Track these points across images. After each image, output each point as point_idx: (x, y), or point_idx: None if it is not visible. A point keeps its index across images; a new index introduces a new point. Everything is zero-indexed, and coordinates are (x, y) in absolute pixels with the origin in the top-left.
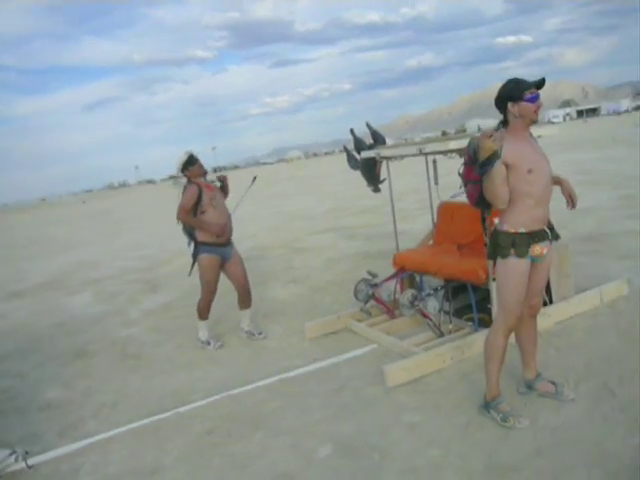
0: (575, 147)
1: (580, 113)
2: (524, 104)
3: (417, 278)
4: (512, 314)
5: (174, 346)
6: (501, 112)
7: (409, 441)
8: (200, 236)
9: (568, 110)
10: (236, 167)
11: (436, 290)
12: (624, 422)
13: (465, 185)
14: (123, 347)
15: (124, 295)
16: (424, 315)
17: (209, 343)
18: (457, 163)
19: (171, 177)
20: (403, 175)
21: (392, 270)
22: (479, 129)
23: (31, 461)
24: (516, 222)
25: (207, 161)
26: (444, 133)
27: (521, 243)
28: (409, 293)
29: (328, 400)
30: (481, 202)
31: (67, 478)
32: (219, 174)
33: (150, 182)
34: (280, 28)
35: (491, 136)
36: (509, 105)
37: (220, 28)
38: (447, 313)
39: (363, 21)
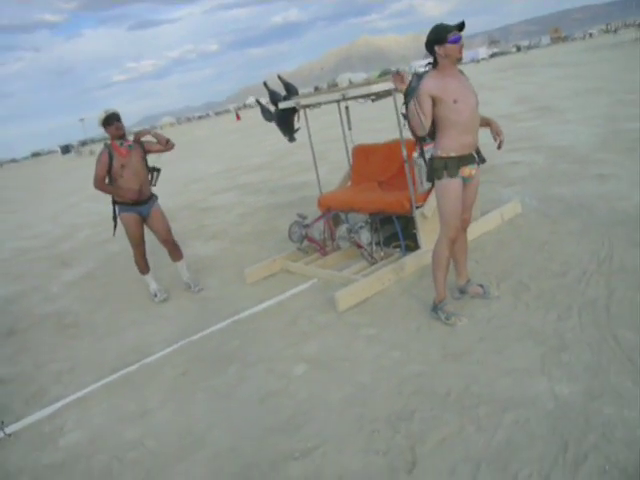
0: None
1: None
2: (448, 45)
3: (343, 216)
4: (451, 226)
5: (112, 310)
6: (431, 54)
7: (372, 349)
8: (116, 197)
9: (430, 60)
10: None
11: (366, 223)
12: (541, 306)
13: (408, 122)
14: (57, 319)
15: (32, 274)
16: (359, 245)
17: (155, 295)
18: (366, 109)
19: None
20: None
21: (309, 215)
22: (350, 82)
23: (9, 429)
24: (447, 148)
25: (76, 134)
26: (316, 88)
27: (452, 165)
28: (344, 227)
29: (287, 331)
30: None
31: (52, 437)
32: (136, 134)
33: (13, 161)
34: None
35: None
36: (436, 48)
37: None
38: (377, 243)
39: None
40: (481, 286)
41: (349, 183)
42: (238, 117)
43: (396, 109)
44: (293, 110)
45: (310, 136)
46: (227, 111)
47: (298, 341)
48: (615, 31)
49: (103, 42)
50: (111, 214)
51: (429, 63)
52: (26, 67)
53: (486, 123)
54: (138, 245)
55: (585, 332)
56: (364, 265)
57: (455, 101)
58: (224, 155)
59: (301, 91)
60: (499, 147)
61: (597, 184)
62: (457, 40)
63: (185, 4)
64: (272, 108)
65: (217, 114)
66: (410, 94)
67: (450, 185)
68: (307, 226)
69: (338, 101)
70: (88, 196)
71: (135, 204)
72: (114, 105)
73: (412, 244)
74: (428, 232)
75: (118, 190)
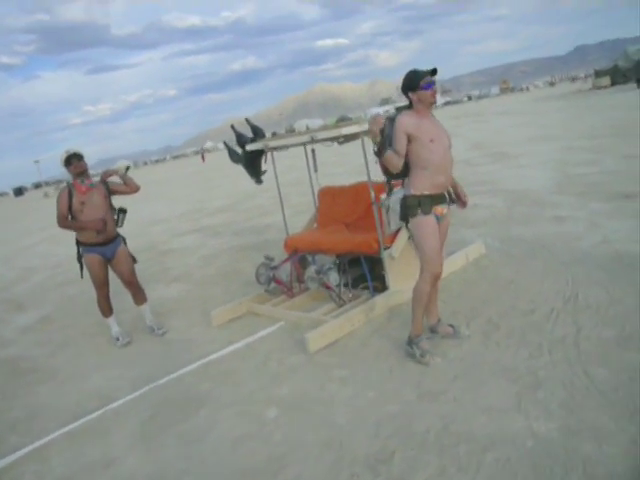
0: None
1: (398, 109)
2: (421, 92)
3: (310, 258)
4: (435, 262)
5: (73, 354)
6: (407, 97)
7: (345, 390)
8: (80, 237)
9: (387, 107)
10: (59, 181)
11: (335, 264)
12: (512, 344)
13: (380, 163)
14: (13, 365)
15: None
16: (327, 287)
17: (118, 339)
18: (324, 155)
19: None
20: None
21: (276, 257)
22: (307, 128)
23: None
24: (420, 186)
25: (30, 176)
26: (274, 134)
27: (425, 203)
28: (312, 268)
29: (257, 373)
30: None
31: None
32: (104, 173)
33: None
34: (95, 32)
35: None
36: (410, 94)
37: (27, 31)
38: (346, 284)
39: (184, 24)
40: (451, 326)
41: (315, 225)
42: (203, 158)
43: (364, 151)
44: (260, 152)
45: (277, 177)
46: (184, 155)
47: (269, 383)
48: (553, 84)
49: (61, 85)
50: (74, 255)
51: (404, 107)
52: None
53: (453, 184)
54: (101, 287)
55: (557, 369)
56: (332, 307)
57: (431, 140)
58: (185, 198)
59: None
60: (460, 207)
61: (555, 225)
62: (430, 87)
63: (144, 50)
64: (239, 150)
65: (175, 158)
66: (386, 139)
67: (425, 221)
68: (274, 268)
69: (305, 144)
70: (44, 238)
71: (98, 244)
72: (71, 147)
73: (380, 285)
74: (396, 273)
75: (81, 224)
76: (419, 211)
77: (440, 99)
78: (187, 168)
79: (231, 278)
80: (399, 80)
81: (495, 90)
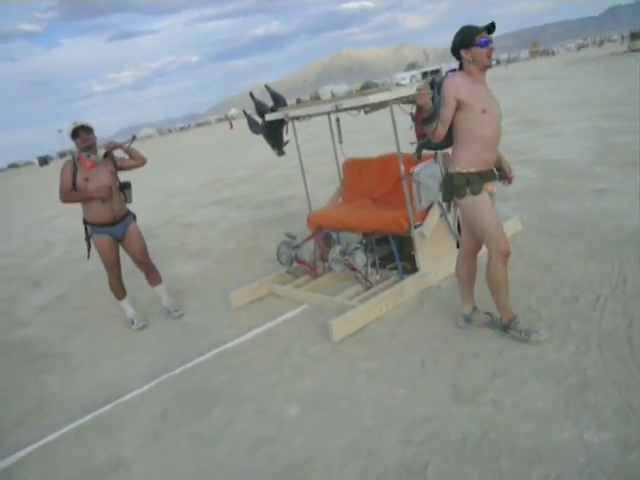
0: None
1: (424, 75)
2: (475, 49)
3: (334, 236)
4: (501, 238)
5: (87, 338)
6: (457, 59)
7: (373, 386)
8: (88, 217)
9: (414, 72)
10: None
11: (361, 243)
12: (557, 336)
13: (416, 126)
14: (25, 349)
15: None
16: (353, 268)
17: (132, 322)
18: (349, 122)
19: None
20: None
21: (296, 233)
22: (332, 95)
23: None
24: (467, 163)
25: (54, 145)
26: (299, 100)
27: (474, 181)
28: (337, 249)
29: (278, 363)
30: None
31: None
32: (107, 146)
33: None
34: None
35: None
36: (462, 52)
37: None
38: (373, 265)
39: None
40: (488, 314)
41: (340, 199)
42: (231, 126)
43: (393, 120)
44: (281, 122)
45: (299, 149)
46: (208, 123)
47: (291, 376)
48: (600, 44)
49: (83, 52)
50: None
51: (453, 70)
52: (2, 77)
53: (497, 157)
54: (112, 268)
55: (609, 368)
56: (359, 289)
57: (484, 111)
58: (208, 167)
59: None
60: (505, 183)
61: (597, 200)
62: (486, 43)
63: (166, 15)
64: (259, 120)
65: (199, 125)
66: (437, 107)
67: (478, 200)
68: (296, 247)
69: (330, 113)
70: (65, 210)
71: (107, 224)
72: (93, 116)
73: (409, 265)
74: (427, 253)
75: (86, 193)
76: (467, 191)
77: None
78: (210, 136)
79: (252, 254)
80: (426, 43)
81: (525, 54)
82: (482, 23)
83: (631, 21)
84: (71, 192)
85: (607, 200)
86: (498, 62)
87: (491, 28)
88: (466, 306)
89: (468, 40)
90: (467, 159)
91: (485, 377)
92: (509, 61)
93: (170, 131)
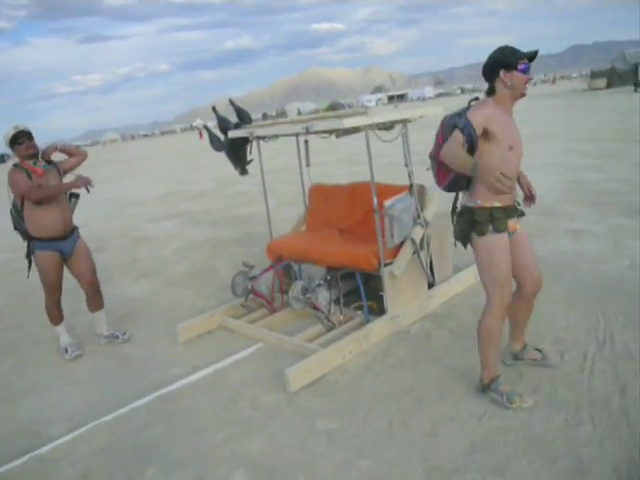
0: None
1: (391, 98)
2: (517, 74)
3: (295, 268)
4: (507, 290)
5: (11, 365)
6: (488, 80)
7: (333, 453)
8: (33, 230)
9: (380, 95)
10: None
11: (325, 280)
12: (542, 403)
13: (436, 167)
14: None
15: None
16: (315, 307)
17: (66, 351)
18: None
19: None
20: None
21: (254, 258)
22: (299, 112)
23: None
24: (490, 197)
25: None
26: (265, 115)
27: (499, 217)
28: (299, 285)
29: (224, 415)
30: (455, 185)
31: None
32: (43, 153)
33: None
34: (89, 1)
35: None
36: (501, 73)
37: None
38: (337, 302)
39: None
40: (539, 350)
41: (304, 227)
42: (201, 135)
43: (368, 149)
44: (245, 140)
45: (262, 170)
46: (173, 131)
47: (238, 433)
48: (553, 81)
49: (50, 52)
50: None
51: (476, 98)
52: None
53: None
54: (54, 292)
55: (605, 448)
56: (319, 329)
57: (511, 148)
58: (168, 177)
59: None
60: (527, 204)
61: (573, 241)
62: (527, 70)
63: (137, 22)
64: (222, 136)
65: (163, 133)
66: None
67: (498, 242)
68: (254, 278)
69: (299, 134)
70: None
71: (55, 239)
72: (55, 117)
73: (375, 306)
74: (396, 294)
75: (67, 184)
76: (490, 228)
77: (433, 90)
78: (174, 145)
79: (205, 279)
80: (393, 68)
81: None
82: (443, 54)
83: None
84: (40, 188)
85: (583, 242)
86: (463, 90)
87: (533, 55)
88: (515, 345)
89: (512, 60)
90: (489, 193)
91: (463, 450)
92: (473, 90)
93: (133, 137)
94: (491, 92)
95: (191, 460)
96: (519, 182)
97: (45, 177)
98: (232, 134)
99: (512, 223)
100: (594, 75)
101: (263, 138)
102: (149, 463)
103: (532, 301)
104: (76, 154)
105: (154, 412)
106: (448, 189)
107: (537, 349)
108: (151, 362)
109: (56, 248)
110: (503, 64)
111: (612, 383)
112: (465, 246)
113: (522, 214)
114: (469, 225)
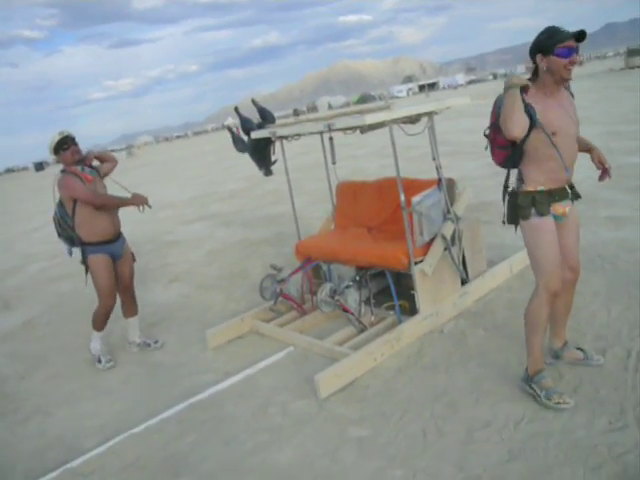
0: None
1: (422, 88)
2: (554, 58)
3: (324, 268)
4: (552, 276)
5: (46, 376)
6: (533, 62)
7: (364, 462)
8: (85, 235)
9: (410, 85)
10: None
11: (354, 281)
12: (584, 404)
13: (492, 148)
14: None
15: None
16: (345, 310)
17: (100, 360)
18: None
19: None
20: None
21: (285, 258)
22: (329, 106)
23: None
24: (535, 181)
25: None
26: (295, 111)
27: (541, 201)
28: (327, 287)
29: (255, 423)
30: (509, 163)
31: None
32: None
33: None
34: (116, 6)
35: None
36: (537, 57)
37: (48, 5)
38: (367, 303)
39: None
40: (581, 350)
41: (332, 226)
42: (238, 132)
43: (392, 142)
44: (268, 140)
45: (287, 171)
46: (205, 131)
47: (268, 442)
48: (580, 64)
49: (82, 60)
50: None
51: (530, 77)
52: (2, 82)
53: (586, 148)
54: (109, 296)
55: None
56: (350, 331)
57: (554, 133)
58: (200, 179)
59: (280, 113)
60: (601, 178)
61: (612, 229)
62: (568, 54)
63: (165, 25)
64: (245, 137)
65: (196, 134)
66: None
67: (542, 225)
68: (282, 281)
69: (322, 132)
70: (50, 220)
71: (107, 242)
72: (91, 123)
73: (407, 305)
74: (428, 293)
75: (125, 199)
76: (533, 211)
77: (464, 77)
78: (206, 145)
79: (237, 281)
80: (423, 57)
81: (521, 69)
82: (474, 39)
83: (626, 38)
84: (99, 196)
85: (624, 230)
86: (495, 76)
87: (580, 36)
88: (556, 341)
89: (549, 45)
90: (534, 176)
91: (500, 458)
92: (506, 75)
93: (167, 139)
94: (533, 76)
95: (221, 471)
96: (592, 154)
97: (94, 183)
98: (255, 134)
99: (559, 206)
100: (631, 53)
101: (286, 137)
102: (178, 476)
103: (571, 291)
104: (110, 160)
105: (184, 422)
106: (503, 166)
107: (579, 348)
108: (182, 369)
109: (108, 251)
110: (539, 48)
111: None
112: (515, 229)
113: (577, 197)
114: (514, 209)
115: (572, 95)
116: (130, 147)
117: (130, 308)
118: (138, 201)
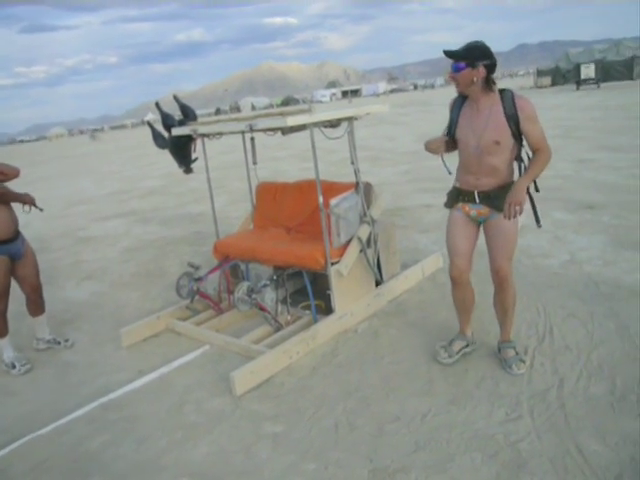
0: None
1: (345, 93)
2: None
3: (242, 267)
4: (452, 262)
5: None
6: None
7: (278, 457)
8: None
9: (334, 90)
10: None
11: (272, 280)
12: (484, 398)
13: None
14: None
15: None
16: (262, 308)
17: (14, 366)
18: (275, 138)
19: None
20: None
21: (203, 257)
22: (253, 107)
23: None
24: (456, 178)
25: None
26: (218, 110)
27: (451, 195)
28: (244, 286)
29: (169, 421)
30: None
31: None
32: None
33: None
34: None
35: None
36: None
37: None
38: (284, 302)
39: None
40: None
41: (251, 225)
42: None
43: (313, 145)
44: (190, 137)
45: (208, 169)
46: (124, 126)
47: (182, 440)
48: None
49: None
50: None
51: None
52: None
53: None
54: (2, 297)
55: (543, 441)
56: (266, 330)
57: (458, 139)
58: (117, 175)
59: (203, 111)
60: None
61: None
62: (453, 69)
63: (83, 12)
64: (165, 133)
65: (113, 128)
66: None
67: (451, 217)
68: (199, 279)
69: (243, 132)
70: None
71: (5, 241)
72: (0, 110)
73: (322, 304)
74: (344, 293)
75: (21, 196)
76: (448, 202)
77: (386, 86)
78: (124, 141)
79: (153, 279)
80: (347, 63)
81: (440, 81)
82: (397, 50)
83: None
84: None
85: (525, 237)
86: (415, 87)
87: (446, 53)
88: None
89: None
90: (457, 175)
91: (407, 449)
92: (425, 87)
93: (82, 132)
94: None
95: (133, 470)
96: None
97: None
98: (176, 131)
99: (467, 207)
100: (540, 73)
101: (207, 136)
102: (89, 476)
103: (500, 294)
104: (5, 172)
105: (95, 422)
106: None
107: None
108: (93, 368)
109: (6, 251)
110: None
111: (550, 376)
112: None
113: (497, 209)
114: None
115: (513, 106)
116: (94, 131)
117: (37, 306)
118: (29, 199)
